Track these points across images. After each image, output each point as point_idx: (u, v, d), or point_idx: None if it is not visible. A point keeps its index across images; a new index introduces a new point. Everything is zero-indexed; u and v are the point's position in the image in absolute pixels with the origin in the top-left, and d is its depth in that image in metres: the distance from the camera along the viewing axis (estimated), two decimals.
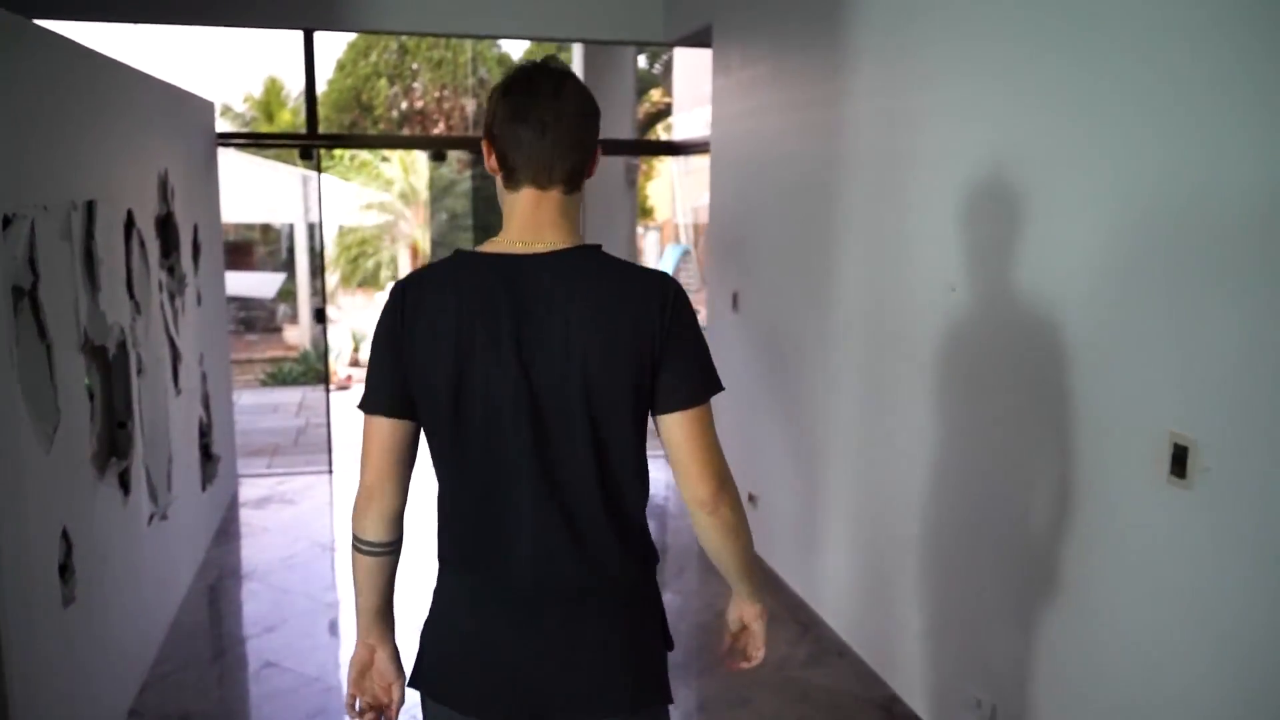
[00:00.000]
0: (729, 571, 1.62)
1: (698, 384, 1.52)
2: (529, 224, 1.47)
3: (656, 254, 28.85)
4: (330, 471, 6.26)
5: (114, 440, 3.48)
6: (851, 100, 3.68)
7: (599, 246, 1.50)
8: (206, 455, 5.03)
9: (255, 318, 19.46)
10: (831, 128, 3.85)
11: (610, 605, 1.53)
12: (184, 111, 4.88)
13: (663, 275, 1.51)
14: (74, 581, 2.86)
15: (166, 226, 4.35)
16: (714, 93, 5.19)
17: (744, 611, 1.67)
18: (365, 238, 16.82)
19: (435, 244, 16.40)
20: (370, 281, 17.85)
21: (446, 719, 1.54)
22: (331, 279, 18.51)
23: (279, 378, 11.74)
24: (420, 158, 17.09)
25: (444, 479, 1.54)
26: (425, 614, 1.62)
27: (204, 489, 4.89)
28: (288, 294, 18.37)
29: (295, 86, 28.03)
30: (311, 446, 7.17)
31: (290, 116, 26.57)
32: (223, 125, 26.36)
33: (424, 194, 16.41)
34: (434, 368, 1.44)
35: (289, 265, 19.73)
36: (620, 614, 1.53)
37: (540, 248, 1.46)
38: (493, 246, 1.49)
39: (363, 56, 28.39)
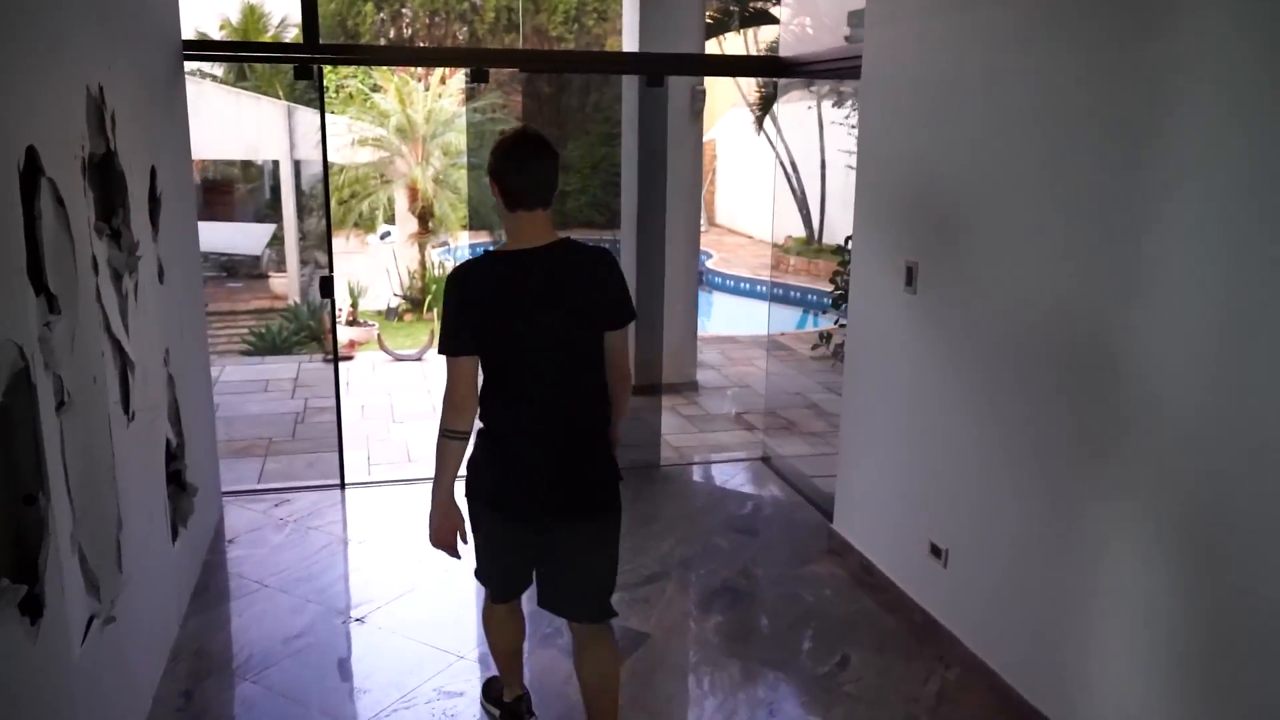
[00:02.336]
0: (617, 409, 2.59)
1: (628, 313, 2.52)
2: (527, 232, 2.43)
3: None
4: (343, 485, 4.89)
5: (18, 531, 2.11)
6: None
7: (570, 238, 2.49)
8: (179, 486, 3.67)
9: (238, 263, 17.88)
10: (1155, 24, 2.43)
11: (597, 444, 2.54)
12: (129, 4, 3.41)
13: (607, 252, 2.53)
14: None
15: (106, 173, 2.92)
16: None
17: (614, 431, 2.64)
18: (357, 177, 15.19)
19: (437, 183, 14.80)
20: (364, 224, 16.28)
21: (506, 529, 2.55)
22: (317, 222, 16.90)
23: (267, 342, 10.25)
24: (418, 88, 15.43)
25: (497, 383, 2.47)
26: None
27: (175, 538, 3.53)
28: (274, 239, 16.78)
29: (277, 11, 26.12)
30: (314, 440, 5.80)
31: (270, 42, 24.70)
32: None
33: (423, 128, 14.75)
34: (497, 323, 2.41)
35: (274, 207, 18.12)
36: (601, 449, 2.55)
37: (536, 244, 2.43)
38: (508, 247, 2.47)
39: None
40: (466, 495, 2.53)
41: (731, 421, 6.37)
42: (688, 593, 3.85)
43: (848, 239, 5.07)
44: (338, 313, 11.16)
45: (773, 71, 5.09)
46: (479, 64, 4.61)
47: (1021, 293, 3.00)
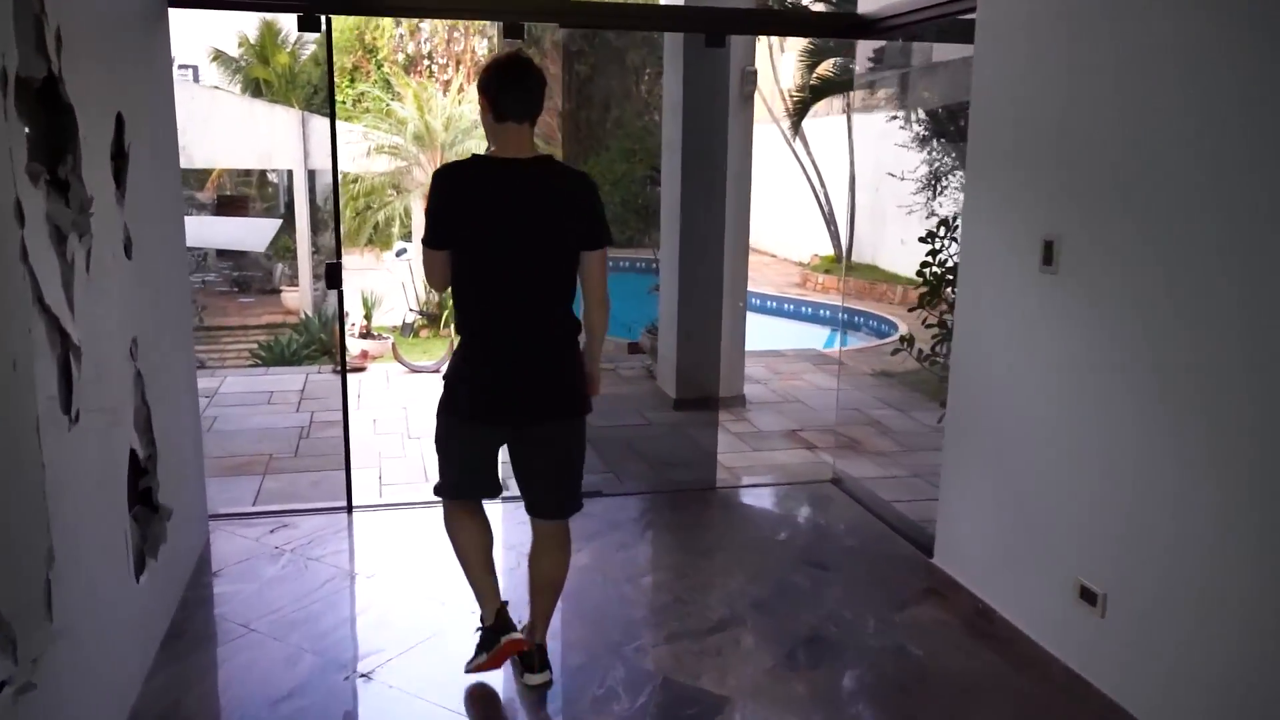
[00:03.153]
0: (594, 342, 2.73)
1: (604, 236, 2.61)
2: (513, 143, 2.54)
3: None
4: (350, 508, 4.21)
5: None
6: None
7: (553, 155, 2.63)
8: (149, 508, 3.00)
9: (250, 278, 17.31)
10: None
11: (565, 351, 2.65)
12: None
13: (587, 176, 2.68)
14: None
15: (48, 105, 2.28)
16: None
17: (593, 369, 2.74)
18: (373, 187, 14.60)
19: None
20: (379, 239, 15.70)
21: (472, 430, 2.68)
22: (331, 235, 16.28)
23: (276, 354, 9.60)
24: (437, 94, 14.88)
25: (468, 284, 2.59)
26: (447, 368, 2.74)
27: (140, 572, 2.85)
28: (286, 251, 16.22)
29: (294, 27, 25.73)
30: (319, 458, 5.13)
31: (288, 59, 24.38)
32: (212, 71, 24.14)
33: (442, 135, 14.16)
34: (474, 221, 2.52)
35: (288, 219, 17.56)
36: (569, 356, 2.66)
37: (523, 155, 2.55)
38: (497, 154, 2.57)
39: None
40: (439, 410, 2.70)
41: (787, 439, 5.67)
42: (768, 643, 3.15)
43: (943, 222, 4.39)
44: (349, 326, 10.55)
45: (851, 30, 4.37)
46: (510, 17, 3.95)
47: (1209, 267, 2.31)
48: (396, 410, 6.30)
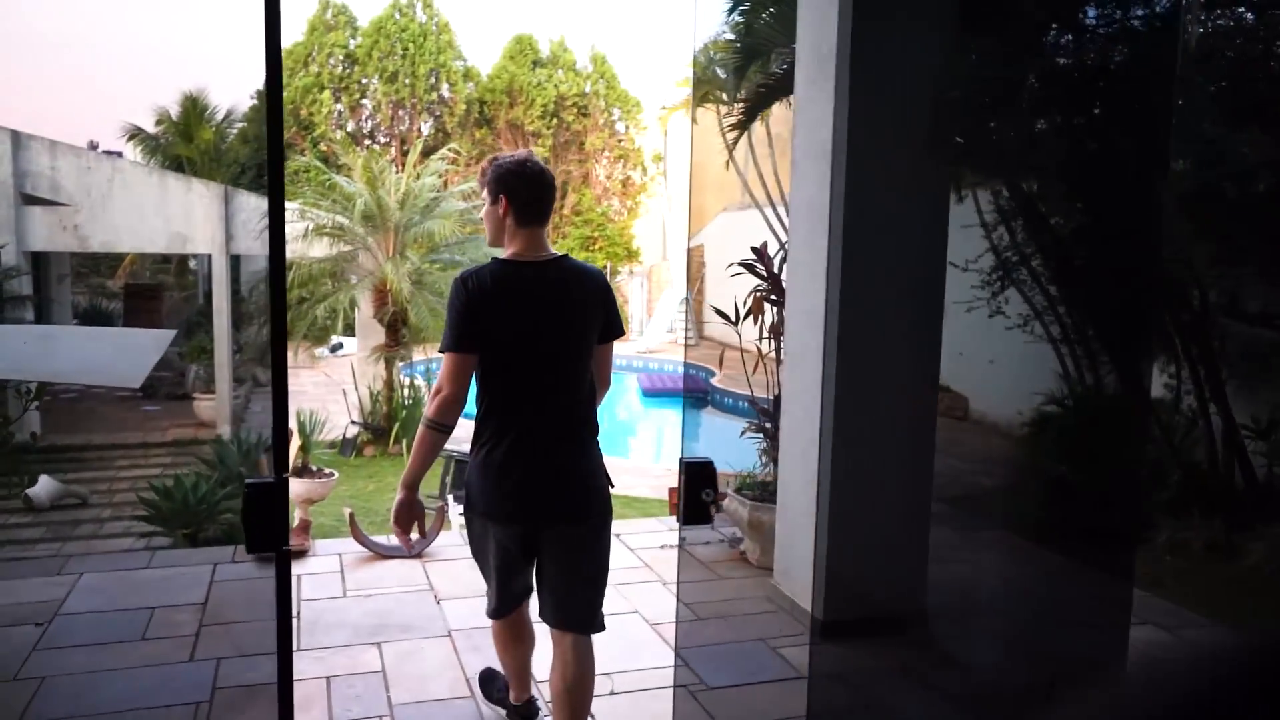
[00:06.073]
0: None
1: (619, 328, 2.77)
2: (532, 245, 2.64)
3: (643, 302, 24.43)
4: None
5: None
6: None
7: (569, 254, 2.75)
8: None
9: (158, 380, 14.54)
10: None
11: (593, 450, 2.69)
12: None
13: (601, 272, 2.84)
14: None
15: None
16: None
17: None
18: (310, 275, 12.10)
19: (415, 284, 11.67)
20: (317, 335, 13.13)
21: (484, 529, 2.69)
22: (258, 331, 13.76)
23: (177, 503, 6.87)
24: (390, 167, 12.52)
25: (493, 388, 2.62)
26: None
27: None
28: (200, 352, 13.55)
29: (222, 101, 23.66)
30: None
31: (212, 135, 21.93)
32: (132, 153, 21.59)
33: (397, 214, 11.79)
34: (498, 326, 2.57)
35: (205, 312, 14.97)
36: (597, 454, 2.70)
37: (541, 257, 2.65)
38: (516, 257, 2.64)
39: (302, 66, 24.00)
40: (465, 511, 2.76)
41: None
42: None
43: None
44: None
45: None
46: None
47: None
48: (366, 649, 3.72)
